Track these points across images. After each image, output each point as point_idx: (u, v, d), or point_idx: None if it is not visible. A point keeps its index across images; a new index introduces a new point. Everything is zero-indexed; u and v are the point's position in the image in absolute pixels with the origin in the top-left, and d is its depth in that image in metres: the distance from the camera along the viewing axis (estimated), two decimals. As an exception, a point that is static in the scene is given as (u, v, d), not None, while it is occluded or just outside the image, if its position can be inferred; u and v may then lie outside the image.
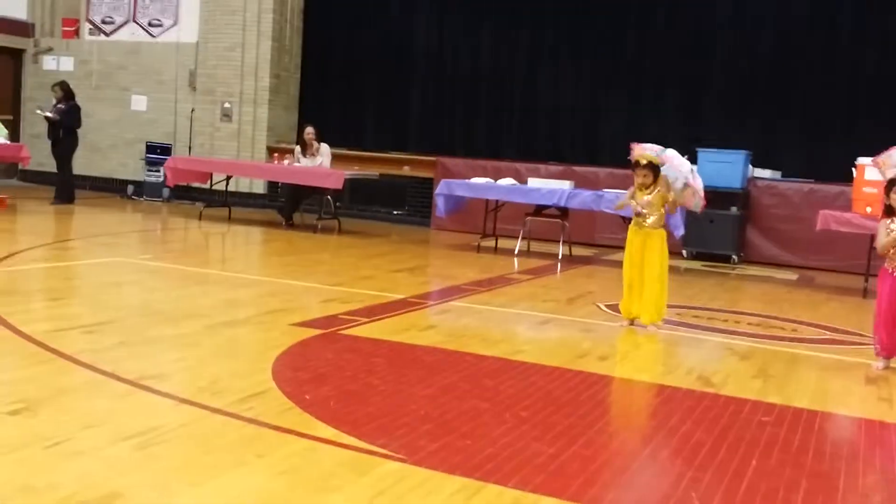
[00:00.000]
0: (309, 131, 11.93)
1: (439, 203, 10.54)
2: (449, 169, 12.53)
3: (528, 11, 13.57)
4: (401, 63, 14.29)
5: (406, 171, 13.49)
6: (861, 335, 6.59)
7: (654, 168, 6.19)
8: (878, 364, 5.41)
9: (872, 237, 8.68)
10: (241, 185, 14.11)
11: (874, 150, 8.92)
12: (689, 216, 10.08)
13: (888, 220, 5.33)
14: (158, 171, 13.97)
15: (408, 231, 12.37)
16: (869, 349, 5.83)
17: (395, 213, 13.58)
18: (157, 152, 14.42)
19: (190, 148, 14.65)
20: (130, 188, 14.80)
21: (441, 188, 10.54)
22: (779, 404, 4.47)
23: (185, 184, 12.83)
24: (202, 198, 13.22)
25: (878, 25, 11.67)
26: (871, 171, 8.68)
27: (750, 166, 11.01)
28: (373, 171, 12.43)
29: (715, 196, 10.77)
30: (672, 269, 9.94)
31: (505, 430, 3.73)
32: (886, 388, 5.04)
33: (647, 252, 6.19)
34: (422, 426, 3.70)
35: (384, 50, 14.38)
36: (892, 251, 5.30)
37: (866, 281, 8.79)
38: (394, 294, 6.96)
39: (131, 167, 15.21)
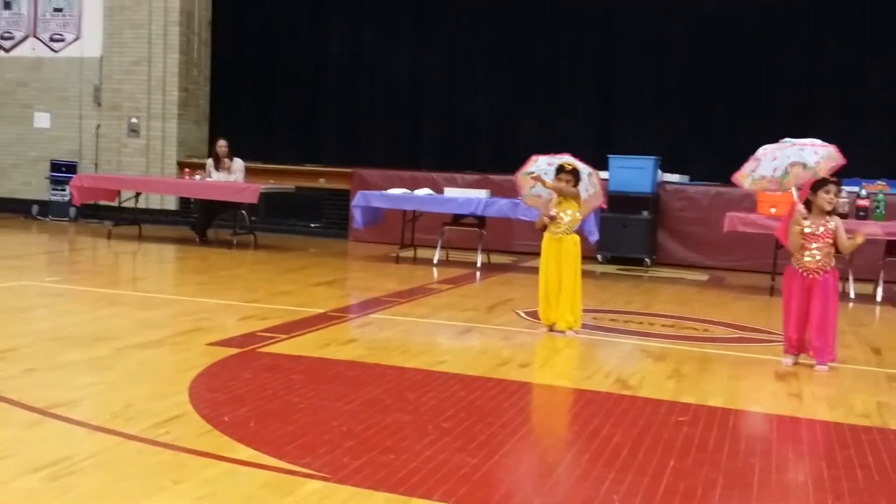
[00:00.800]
0: (221, 144, 11.74)
1: (356, 215, 10.49)
2: (365, 180, 12.49)
3: (443, 20, 13.66)
4: (314, 74, 14.19)
5: (322, 183, 13.39)
6: (769, 332, 6.82)
7: (576, 175, 6.30)
8: (788, 360, 5.60)
9: (777, 237, 9.03)
10: (152, 201, 13.77)
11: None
12: (604, 222, 10.30)
13: (803, 217, 5.43)
14: (64, 189, 13.54)
15: (325, 244, 12.27)
16: (778, 346, 6.03)
17: (312, 226, 13.46)
18: (63, 170, 13.98)
19: (96, 165, 14.25)
20: (35, 208, 14.29)
21: (358, 200, 10.49)
22: (694, 404, 4.59)
23: (92, 202, 12.46)
24: (111, 216, 12.86)
25: (783, 30, 12.13)
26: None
27: (659, 171, 11.29)
28: (288, 185, 12.30)
29: (626, 201, 11.07)
30: (588, 274, 10.12)
31: (428, 443, 3.73)
32: (796, 383, 5.22)
33: (563, 258, 6.28)
34: (344, 443, 3.66)
35: (296, 61, 14.26)
36: (800, 251, 5.47)
37: (773, 279, 9.09)
38: (313, 309, 6.89)
39: (35, 186, 14.68)
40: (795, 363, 5.60)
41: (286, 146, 14.26)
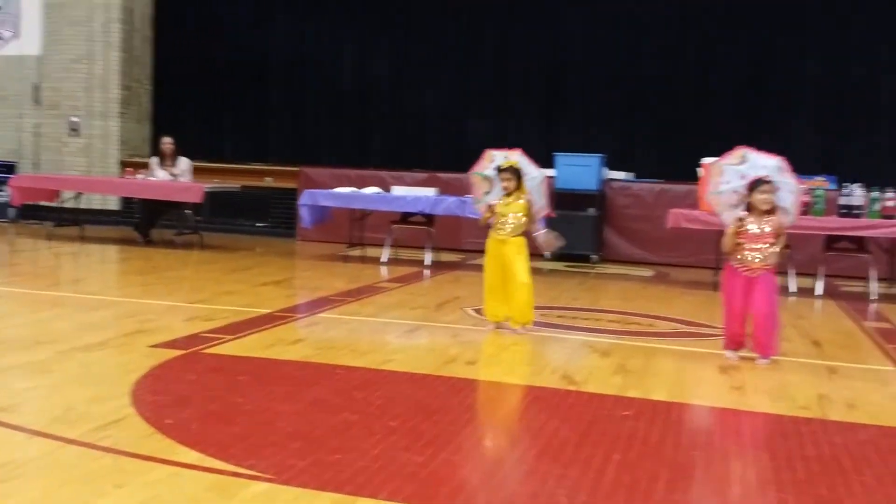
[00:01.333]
0: (166, 142, 11.56)
1: (304, 214, 10.41)
2: (312, 179, 12.41)
3: (390, 17, 13.64)
4: (260, 71, 14.06)
5: (268, 182, 13.27)
6: (713, 327, 6.92)
7: (517, 173, 6.30)
8: (731, 355, 5.69)
9: (720, 233, 9.19)
10: (94, 201, 13.51)
11: (719, 151, 9.46)
12: (550, 219, 10.37)
13: (742, 216, 5.53)
14: (2, 190, 13.21)
15: (272, 243, 12.16)
16: (720, 339, 6.13)
17: (258, 225, 13.32)
18: (1, 171, 13.64)
19: (36, 165, 13.92)
20: (-28, 209, 13.92)
21: (305, 198, 10.42)
22: (638, 398, 4.64)
23: (32, 202, 12.17)
24: (51, 217, 12.57)
25: (727, 30, 12.35)
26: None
27: (605, 169, 11.41)
28: (234, 184, 12.16)
29: (573, 198, 11.17)
30: (535, 271, 10.17)
31: (375, 442, 3.71)
32: (738, 376, 5.32)
33: (507, 257, 6.28)
34: (290, 444, 3.63)
35: (242, 58, 14.11)
36: (738, 248, 5.56)
37: (716, 275, 9.24)
38: (259, 309, 6.82)
39: (-28, 187, 14.30)
40: (738, 357, 5.69)
41: (232, 145, 14.12)
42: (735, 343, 5.69)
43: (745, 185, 5.48)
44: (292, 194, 12.68)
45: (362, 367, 5.10)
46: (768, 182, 5.47)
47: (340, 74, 13.76)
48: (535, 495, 3.22)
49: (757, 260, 5.52)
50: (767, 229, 5.50)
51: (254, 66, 14.08)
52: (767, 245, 5.52)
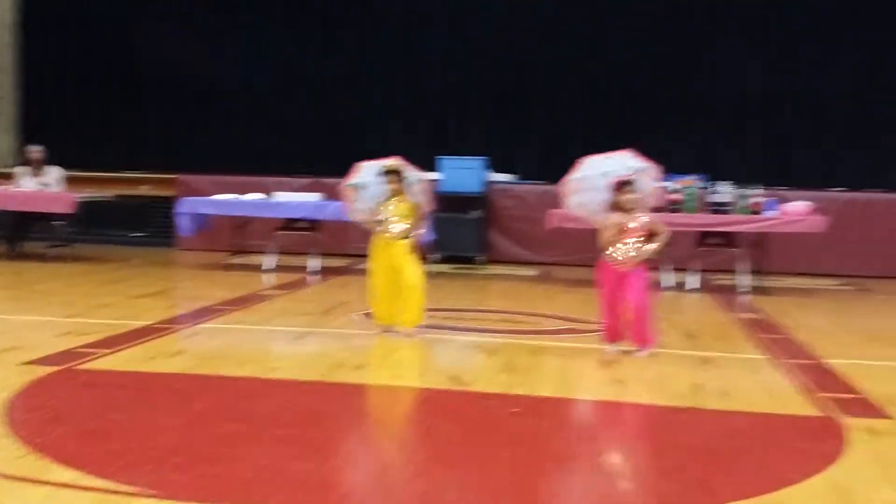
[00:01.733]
0: (35, 150, 11.03)
1: (182, 222, 10.13)
2: (191, 186, 12.08)
3: (267, 20, 13.44)
4: (134, 76, 13.61)
5: (145, 190, 12.85)
6: (595, 322, 7.10)
7: (400, 175, 6.32)
8: (611, 349, 5.86)
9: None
10: (-44, 214, 12.76)
11: (598, 152, 9.74)
12: (436, 222, 10.45)
13: (613, 216, 5.73)
14: None
15: (150, 254, 11.78)
16: (602, 334, 6.30)
17: (135, 235, 12.88)
18: None
19: None
20: None
21: (183, 206, 10.14)
22: (525, 395, 4.72)
23: None
24: None
25: (602, 35, 12.73)
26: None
27: (488, 171, 11.57)
28: (108, 193, 11.71)
29: (457, 201, 11.27)
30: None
31: (262, 452, 3.65)
32: (619, 370, 5.48)
33: (396, 259, 6.29)
34: (173, 458, 3.53)
35: (113, 63, 13.63)
36: (611, 246, 5.74)
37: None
38: (137, 321, 6.59)
39: None
40: (618, 350, 5.87)
41: (106, 153, 13.59)
42: (614, 336, 5.86)
43: (610, 185, 5.70)
44: (170, 203, 12.32)
45: (247, 376, 5.01)
46: (631, 182, 5.69)
47: (218, 78, 13.46)
48: (425, 496, 3.24)
49: (628, 255, 5.71)
50: (632, 225, 5.70)
51: (127, 71, 13.62)
52: (636, 241, 5.71)
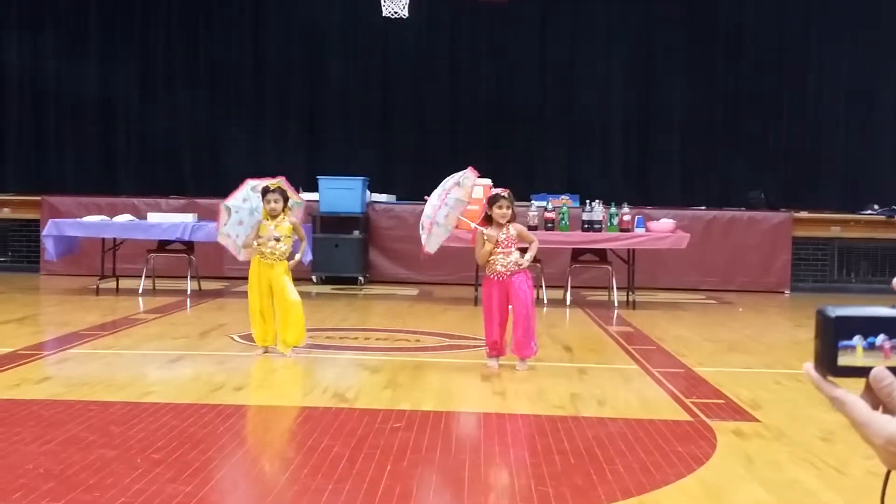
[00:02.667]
0: None
1: (48, 245, 9.68)
2: (56, 208, 11.56)
3: (133, 36, 13.06)
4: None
5: (6, 213, 12.23)
6: (475, 338, 7.21)
7: (284, 195, 6.27)
8: (493, 363, 5.96)
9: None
10: None
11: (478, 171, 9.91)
12: (316, 242, 10.37)
13: (483, 229, 5.87)
14: None
15: (13, 279, 11.18)
16: (482, 350, 6.39)
17: (-4, 260, 12.22)
18: None
19: None
20: None
21: (49, 229, 9.69)
22: (408, 410, 4.74)
23: None
24: None
25: (473, 55, 12.98)
26: (476, 190, 9.58)
27: (368, 191, 11.58)
28: (-35, 216, 11.09)
29: (338, 221, 11.23)
30: (302, 295, 10.11)
31: (137, 476, 3.53)
32: (500, 383, 5.58)
33: (274, 279, 6.20)
34: (42, 485, 3.37)
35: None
36: (489, 260, 5.86)
37: (476, 290, 9.63)
38: (0, 348, 6.26)
39: None
40: (499, 365, 5.97)
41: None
42: (496, 350, 5.95)
43: (485, 200, 5.90)
44: (34, 225, 11.77)
45: (119, 401, 4.83)
46: (504, 197, 5.85)
47: (85, 94, 12.96)
48: (309, 512, 3.20)
49: (507, 265, 5.83)
50: (503, 237, 5.84)
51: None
52: (510, 252, 5.85)
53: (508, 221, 5.88)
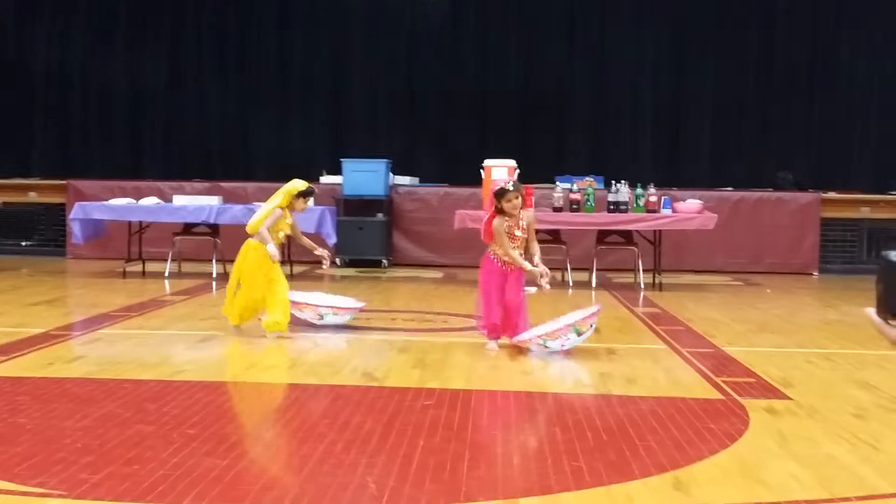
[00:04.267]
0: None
1: (75, 229, 9.77)
2: (83, 192, 11.64)
3: (162, 22, 13.11)
4: (19, 79, 13.04)
5: (33, 197, 12.34)
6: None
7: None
8: (493, 345, 5.86)
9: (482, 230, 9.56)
10: None
11: (496, 154, 9.90)
12: (340, 225, 10.40)
13: (503, 220, 5.84)
14: None
15: (41, 262, 11.30)
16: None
17: (24, 244, 12.34)
18: None
19: None
20: None
21: (76, 212, 9.77)
22: (438, 388, 4.75)
23: None
24: None
25: (498, 38, 12.92)
26: (496, 171, 9.56)
27: (391, 174, 11.57)
28: (-6, 200, 11.20)
29: (361, 204, 11.25)
30: (328, 277, 10.19)
31: (174, 451, 3.56)
32: (528, 363, 5.58)
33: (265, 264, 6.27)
34: (81, 459, 3.41)
35: (-2, 65, 13.05)
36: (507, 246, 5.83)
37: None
38: (32, 329, 6.33)
39: None
40: (499, 347, 5.87)
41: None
42: (495, 332, 5.88)
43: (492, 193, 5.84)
44: (61, 209, 11.87)
45: (152, 379, 4.87)
46: (510, 189, 5.81)
47: (111, 81, 13.03)
48: (344, 485, 3.22)
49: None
50: (517, 233, 5.85)
51: (12, 74, 13.04)
52: (522, 242, 5.88)
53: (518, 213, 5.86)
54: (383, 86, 13.00)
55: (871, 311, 0.99)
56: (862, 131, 12.40)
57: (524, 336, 5.83)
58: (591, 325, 5.84)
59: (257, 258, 6.26)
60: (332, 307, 6.71)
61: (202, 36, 13.17)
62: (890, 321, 0.96)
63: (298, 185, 6.42)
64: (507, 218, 5.83)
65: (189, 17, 13.15)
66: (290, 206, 6.38)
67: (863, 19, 12.42)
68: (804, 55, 12.55)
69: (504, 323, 5.88)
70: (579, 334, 5.75)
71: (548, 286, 5.82)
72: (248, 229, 6.43)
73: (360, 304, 6.97)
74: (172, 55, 13.16)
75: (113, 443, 3.65)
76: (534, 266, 5.81)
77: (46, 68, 13.09)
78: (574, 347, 5.79)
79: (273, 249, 6.22)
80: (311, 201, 6.53)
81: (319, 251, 6.58)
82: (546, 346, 5.77)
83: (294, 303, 6.52)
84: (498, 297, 5.84)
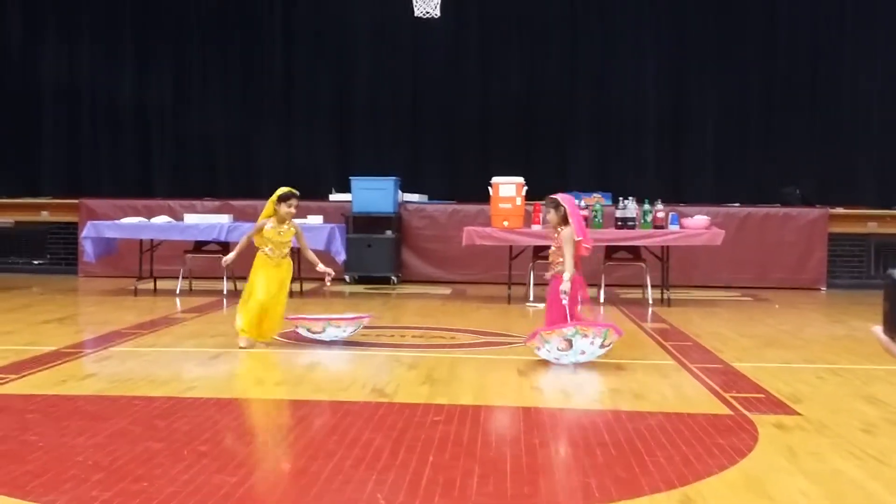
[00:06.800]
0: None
1: (87, 247, 9.84)
2: (94, 211, 11.75)
3: (169, 41, 13.23)
4: (29, 99, 13.17)
5: (45, 216, 12.44)
6: (509, 335, 7.23)
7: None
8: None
9: (511, 248, 9.66)
10: None
11: (503, 172, 9.95)
12: (349, 242, 10.45)
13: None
14: None
15: (52, 281, 11.37)
16: (518, 346, 6.41)
17: (35, 263, 12.43)
18: None
19: None
20: None
21: (88, 231, 9.85)
22: (447, 404, 4.77)
23: None
24: None
25: (502, 56, 12.99)
26: (504, 188, 9.62)
27: (400, 191, 11.63)
28: (6, 219, 11.29)
29: (370, 221, 11.31)
30: (337, 294, 10.23)
31: (184, 468, 3.59)
32: (536, 378, 5.59)
33: (287, 279, 6.63)
34: (92, 476, 3.44)
35: (8, 84, 13.17)
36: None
37: (509, 288, 9.66)
38: (43, 346, 6.37)
39: None
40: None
41: (2, 178, 13.09)
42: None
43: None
44: (72, 228, 11.97)
45: (163, 396, 4.90)
46: (551, 200, 6.02)
47: (119, 98, 13.15)
48: (354, 501, 3.24)
49: (554, 266, 6.18)
50: (555, 247, 6.15)
51: (22, 93, 13.18)
52: (557, 252, 6.12)
53: (558, 225, 6.11)
54: (388, 102, 13.07)
55: (878, 330, 1.01)
56: (867, 146, 12.39)
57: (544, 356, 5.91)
58: (611, 343, 5.92)
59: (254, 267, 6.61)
60: (330, 319, 6.77)
61: (207, 53, 13.27)
62: None
63: (279, 191, 6.58)
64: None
65: (195, 33, 13.26)
66: (276, 214, 6.49)
67: (867, 33, 12.45)
68: (808, 69, 12.58)
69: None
70: (601, 346, 5.84)
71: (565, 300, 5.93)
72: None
73: (365, 315, 7.07)
74: (178, 72, 13.27)
75: (123, 460, 3.68)
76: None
77: (54, 87, 13.22)
78: (582, 363, 5.81)
79: (228, 256, 6.84)
80: (294, 205, 6.55)
81: (321, 268, 6.69)
82: (558, 360, 5.83)
83: (294, 318, 6.71)
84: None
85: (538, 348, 5.88)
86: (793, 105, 12.54)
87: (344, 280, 11.09)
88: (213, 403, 4.76)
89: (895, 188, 12.07)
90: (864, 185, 12.30)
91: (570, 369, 5.78)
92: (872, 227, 11.53)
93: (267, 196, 6.75)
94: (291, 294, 7.30)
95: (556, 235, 6.15)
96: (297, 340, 6.72)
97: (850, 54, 12.52)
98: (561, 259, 6.07)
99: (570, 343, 5.79)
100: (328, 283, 6.94)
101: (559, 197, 6.18)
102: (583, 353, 5.83)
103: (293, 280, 9.58)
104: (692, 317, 8.62)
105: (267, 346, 6.53)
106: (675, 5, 12.84)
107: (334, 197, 11.68)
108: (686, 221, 9.57)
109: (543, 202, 6.15)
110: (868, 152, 12.40)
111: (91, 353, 6.37)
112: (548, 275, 6.30)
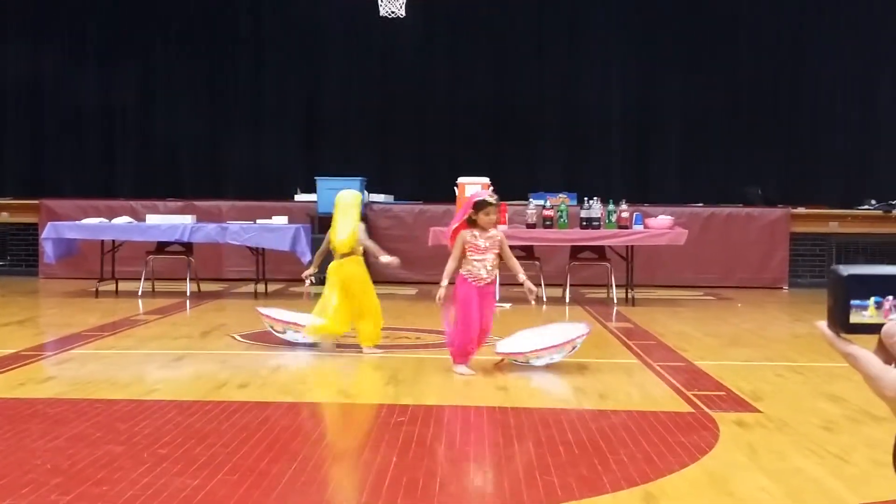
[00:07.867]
0: None
1: (47, 248, 9.69)
2: (55, 211, 11.56)
3: (132, 40, 13.08)
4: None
5: (4, 217, 12.23)
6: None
7: None
8: (466, 370, 5.60)
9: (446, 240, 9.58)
10: None
11: (470, 172, 9.97)
12: (315, 244, 10.38)
13: (471, 231, 5.76)
14: None
15: (11, 283, 11.18)
16: (483, 346, 6.39)
17: (-5, 264, 12.22)
18: None
19: None
20: None
21: (48, 231, 9.70)
22: (411, 405, 4.76)
23: None
24: None
25: (470, 56, 13.02)
26: (470, 188, 9.61)
27: (366, 191, 11.58)
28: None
29: (336, 221, 11.24)
30: (298, 295, 10.17)
31: (145, 471, 3.54)
32: (502, 378, 5.60)
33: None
34: (51, 480, 3.38)
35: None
36: (472, 264, 5.76)
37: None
38: (3, 349, 6.26)
39: None
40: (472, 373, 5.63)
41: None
42: (466, 357, 5.67)
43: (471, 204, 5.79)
44: (32, 229, 11.78)
45: (124, 399, 4.84)
46: (493, 204, 5.78)
47: (81, 98, 12.97)
48: (316, 503, 3.22)
49: (487, 269, 5.75)
50: (486, 243, 5.74)
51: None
52: (493, 257, 5.77)
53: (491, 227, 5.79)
54: (356, 103, 13.04)
55: (823, 325, 1.02)
56: (829, 147, 12.58)
57: (512, 350, 5.83)
58: (577, 345, 5.87)
59: (360, 271, 6.58)
60: (294, 323, 6.60)
61: (173, 52, 13.15)
62: (841, 334, 1.00)
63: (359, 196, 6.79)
64: (476, 231, 5.79)
65: (160, 35, 13.12)
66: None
67: (830, 35, 12.64)
68: (771, 71, 12.75)
69: (475, 345, 5.75)
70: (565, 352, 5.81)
71: (534, 303, 5.83)
72: (344, 246, 6.57)
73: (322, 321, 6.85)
74: (143, 72, 13.12)
75: (83, 463, 3.63)
76: (520, 283, 5.82)
77: (16, 87, 13.01)
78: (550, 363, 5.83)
79: (388, 257, 6.74)
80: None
81: (386, 257, 6.74)
82: (528, 363, 5.79)
83: (264, 316, 6.63)
84: (476, 318, 5.66)
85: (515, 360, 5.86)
86: (756, 107, 12.70)
87: (310, 281, 11.01)
88: (174, 406, 4.71)
89: (856, 188, 12.27)
90: (826, 186, 12.48)
91: (536, 369, 5.79)
92: (834, 227, 11.70)
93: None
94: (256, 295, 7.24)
95: (491, 237, 5.77)
96: (262, 342, 6.67)
97: (812, 57, 12.70)
98: (496, 262, 5.81)
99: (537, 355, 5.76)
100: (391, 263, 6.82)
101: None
102: (549, 362, 5.80)
103: (258, 280, 9.59)
104: (657, 316, 8.69)
105: (227, 349, 6.48)
106: (642, 9, 12.94)
107: (299, 197, 11.61)
108: (650, 221, 9.65)
109: (493, 203, 5.80)
110: (829, 153, 12.59)
111: (51, 356, 6.28)
112: (488, 276, 5.82)
